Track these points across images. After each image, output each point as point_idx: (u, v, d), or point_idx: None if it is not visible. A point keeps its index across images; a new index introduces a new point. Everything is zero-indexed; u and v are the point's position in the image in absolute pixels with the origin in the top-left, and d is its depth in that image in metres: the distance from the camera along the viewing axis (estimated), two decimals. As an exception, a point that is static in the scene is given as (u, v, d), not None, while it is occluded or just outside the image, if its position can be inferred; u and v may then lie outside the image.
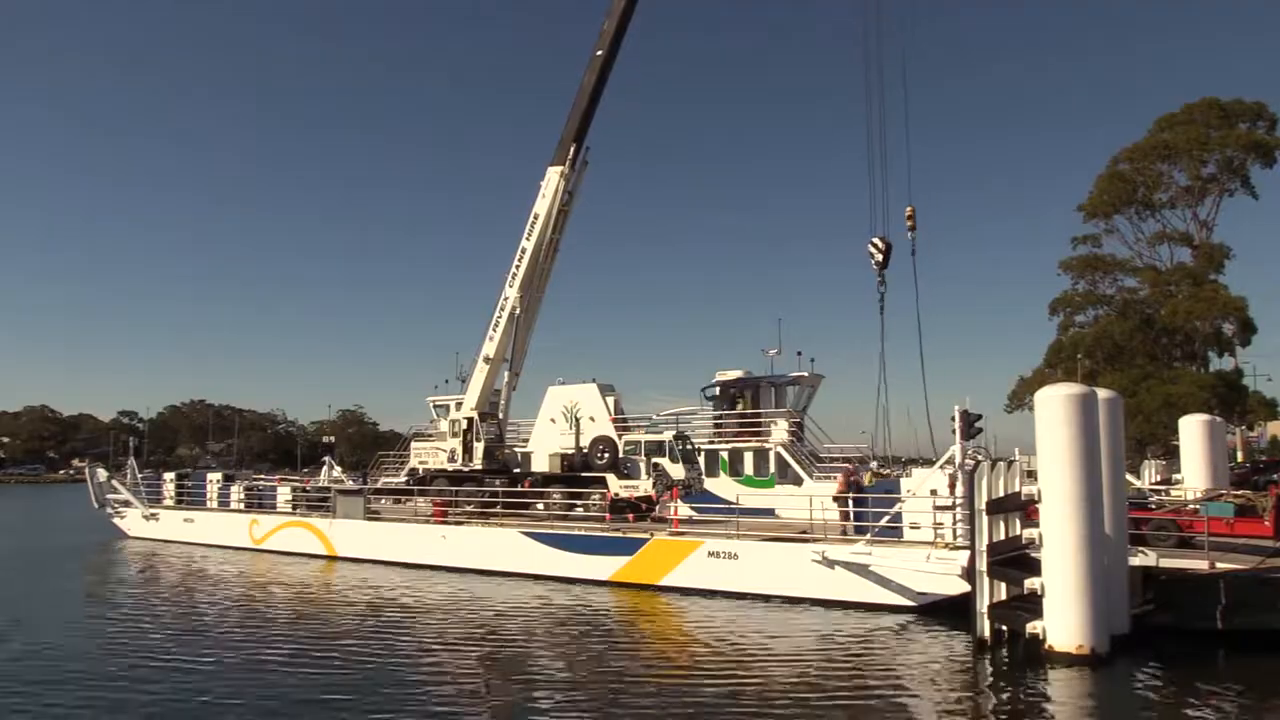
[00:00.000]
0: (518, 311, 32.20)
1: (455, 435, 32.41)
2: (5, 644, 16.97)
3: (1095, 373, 49.15)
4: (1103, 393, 17.08)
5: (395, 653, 16.44)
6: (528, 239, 32.29)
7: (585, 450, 31.27)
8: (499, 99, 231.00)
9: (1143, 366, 51.18)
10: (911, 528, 20.59)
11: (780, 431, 33.80)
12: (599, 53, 31.73)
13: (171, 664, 15.38)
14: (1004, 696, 14.04)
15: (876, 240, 26.47)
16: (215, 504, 36.88)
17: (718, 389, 36.71)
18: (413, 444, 36.30)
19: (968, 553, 17.10)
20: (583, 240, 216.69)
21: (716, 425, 35.73)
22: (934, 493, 20.40)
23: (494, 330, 32.73)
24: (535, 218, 32.24)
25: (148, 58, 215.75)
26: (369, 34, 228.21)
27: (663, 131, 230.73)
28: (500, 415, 33.51)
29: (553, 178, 32.09)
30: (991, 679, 14.98)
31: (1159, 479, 31.95)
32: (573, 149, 31.94)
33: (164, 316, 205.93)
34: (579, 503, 29.21)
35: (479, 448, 31.69)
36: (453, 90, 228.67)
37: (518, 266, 32.38)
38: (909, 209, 26.24)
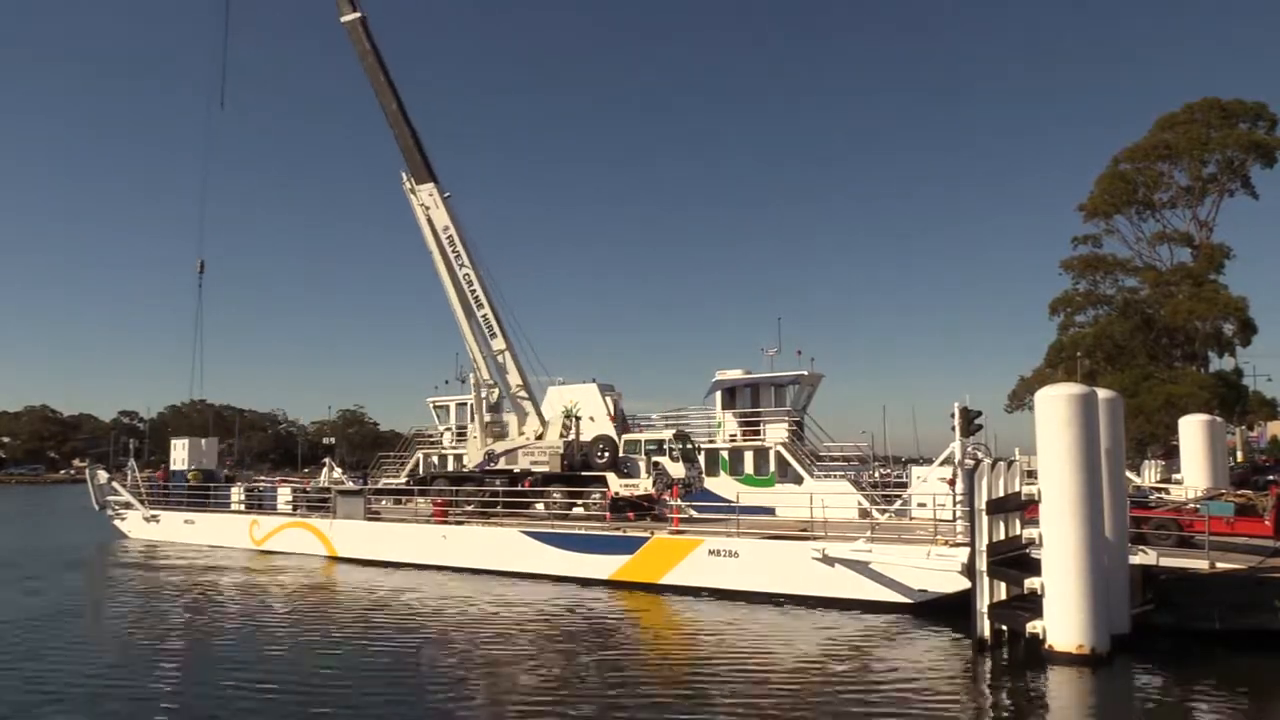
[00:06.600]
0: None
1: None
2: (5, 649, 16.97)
3: (1095, 373, 49.08)
4: (1103, 393, 17.08)
5: (395, 652, 16.46)
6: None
7: (585, 450, 31.27)
8: (499, 98, 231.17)
9: (1143, 366, 51.12)
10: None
11: (780, 430, 33.82)
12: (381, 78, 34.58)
13: (172, 663, 15.39)
14: (1004, 696, 14.07)
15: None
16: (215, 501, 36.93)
17: (718, 389, 36.72)
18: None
19: (968, 549, 17.13)
20: (582, 239, 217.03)
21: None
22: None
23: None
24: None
25: (147, 61, 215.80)
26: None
27: (662, 133, 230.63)
28: (487, 415, 33.58)
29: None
30: (991, 679, 15.01)
31: (1159, 479, 31.95)
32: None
33: (165, 317, 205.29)
34: (579, 502, 29.23)
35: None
36: (453, 89, 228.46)
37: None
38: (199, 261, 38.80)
